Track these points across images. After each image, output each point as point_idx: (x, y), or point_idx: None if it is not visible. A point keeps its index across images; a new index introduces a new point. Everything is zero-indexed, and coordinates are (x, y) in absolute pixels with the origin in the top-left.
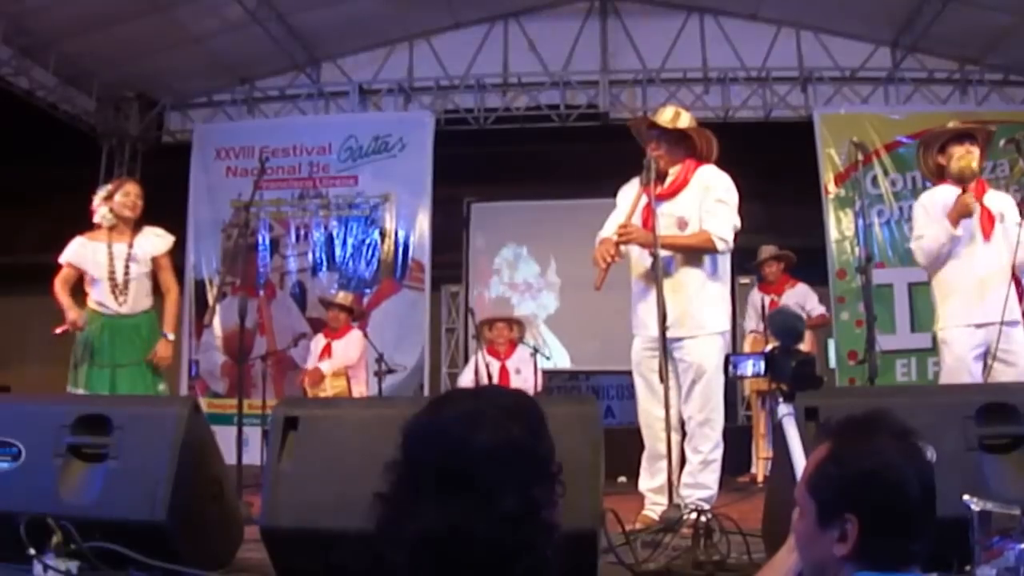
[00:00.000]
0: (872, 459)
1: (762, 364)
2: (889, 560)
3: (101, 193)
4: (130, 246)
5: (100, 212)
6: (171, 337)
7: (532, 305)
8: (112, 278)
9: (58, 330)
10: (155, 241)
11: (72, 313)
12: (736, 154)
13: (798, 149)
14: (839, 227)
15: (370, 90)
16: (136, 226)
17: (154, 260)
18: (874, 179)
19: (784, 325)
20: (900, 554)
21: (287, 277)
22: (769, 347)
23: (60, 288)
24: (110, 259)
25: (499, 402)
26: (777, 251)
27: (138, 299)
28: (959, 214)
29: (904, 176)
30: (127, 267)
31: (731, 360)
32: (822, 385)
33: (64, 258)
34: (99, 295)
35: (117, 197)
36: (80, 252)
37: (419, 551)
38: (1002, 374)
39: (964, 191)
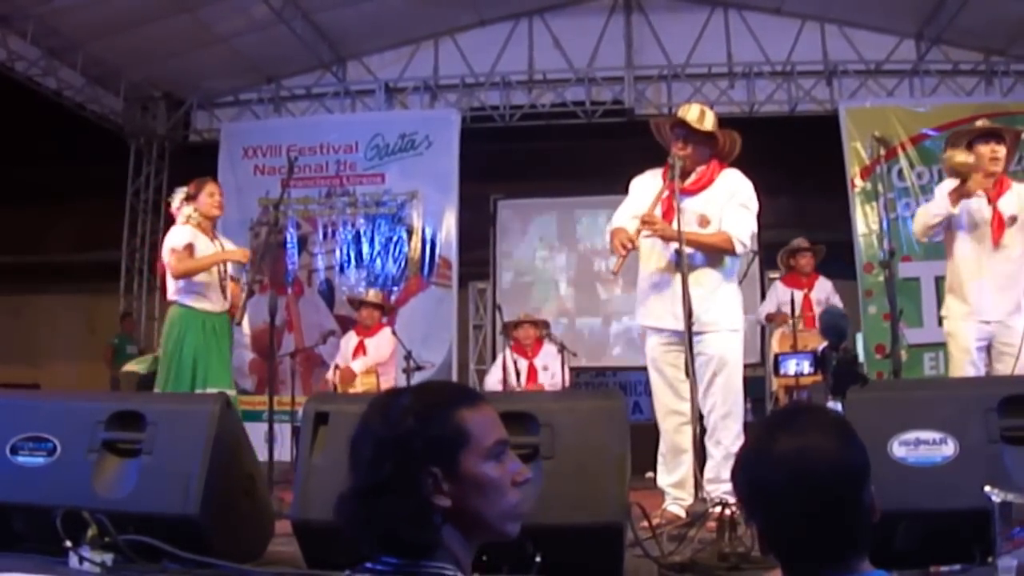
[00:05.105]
0: (751, 474)
1: (805, 364)
2: (800, 569)
3: (179, 195)
4: (222, 246)
5: (184, 212)
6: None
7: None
8: (220, 275)
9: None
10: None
11: (237, 252)
12: (762, 149)
13: (824, 143)
14: (866, 221)
15: (396, 88)
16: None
17: None
18: (900, 172)
19: (830, 324)
20: (807, 567)
21: (315, 275)
22: (821, 347)
23: (194, 259)
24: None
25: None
26: (810, 244)
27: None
28: (960, 194)
29: (930, 169)
30: (226, 265)
31: (777, 359)
32: (867, 383)
33: (185, 240)
34: (206, 292)
35: (202, 198)
36: (195, 242)
37: None
38: (1007, 365)
39: (963, 182)
